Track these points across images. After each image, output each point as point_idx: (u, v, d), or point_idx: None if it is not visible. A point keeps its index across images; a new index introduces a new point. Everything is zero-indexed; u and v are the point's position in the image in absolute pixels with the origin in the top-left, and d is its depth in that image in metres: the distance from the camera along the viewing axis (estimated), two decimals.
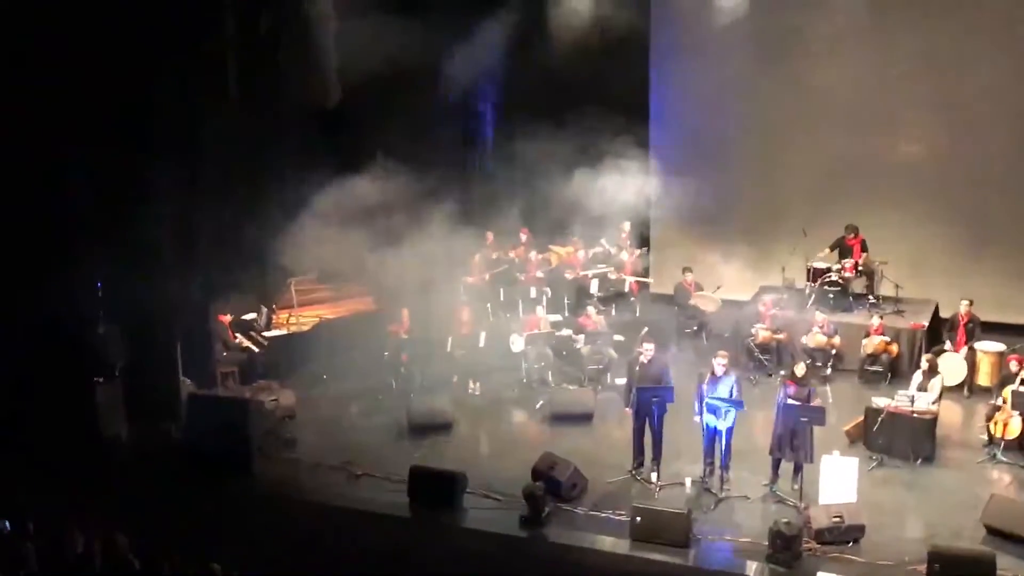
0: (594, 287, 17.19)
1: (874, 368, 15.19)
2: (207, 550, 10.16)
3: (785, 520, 10.80)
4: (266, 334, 15.54)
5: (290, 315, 15.89)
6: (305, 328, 15.86)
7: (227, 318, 15.18)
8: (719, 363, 12.03)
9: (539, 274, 17.41)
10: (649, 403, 12.23)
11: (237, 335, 15.29)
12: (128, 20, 12.98)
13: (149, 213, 13.32)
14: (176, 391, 13.93)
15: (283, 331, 15.75)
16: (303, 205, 15.09)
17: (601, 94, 17.50)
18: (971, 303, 15.14)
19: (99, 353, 13.53)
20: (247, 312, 15.56)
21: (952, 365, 14.75)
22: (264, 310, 15.77)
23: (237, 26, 14.70)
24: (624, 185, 16.77)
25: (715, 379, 12.01)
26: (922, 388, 13.14)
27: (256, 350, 15.26)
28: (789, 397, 11.91)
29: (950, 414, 14.05)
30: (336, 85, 15.80)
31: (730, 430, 11.96)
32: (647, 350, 12.62)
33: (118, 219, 13.27)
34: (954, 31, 16.47)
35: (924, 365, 13.47)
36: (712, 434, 12.01)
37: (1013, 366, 13.37)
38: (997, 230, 16.93)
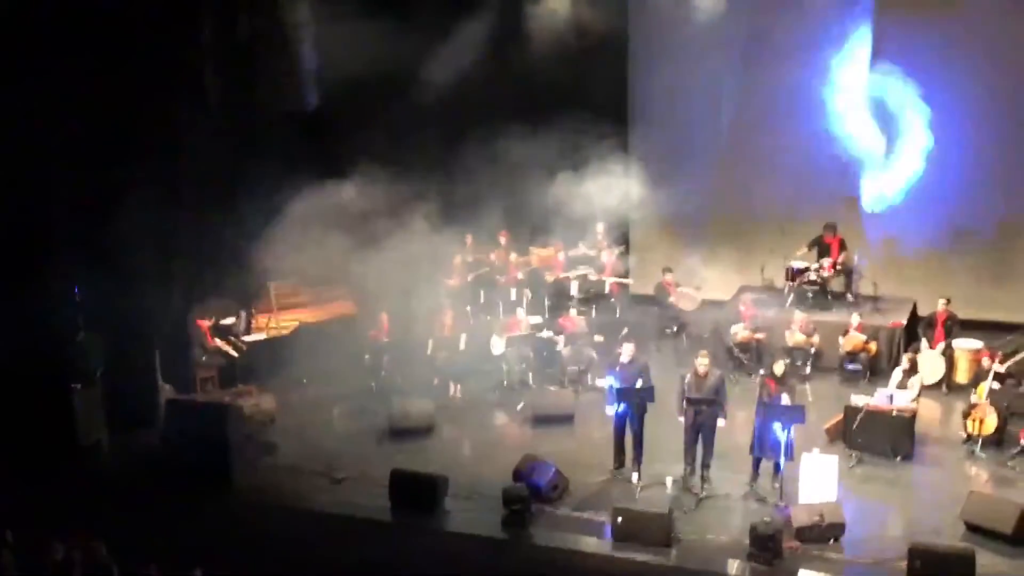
0: (574, 288, 17.20)
1: (853, 366, 15.26)
2: (187, 557, 10.12)
3: (766, 519, 10.84)
4: (245, 339, 15.44)
5: (270, 319, 15.83)
6: (285, 332, 15.80)
7: (206, 323, 15.10)
8: (701, 363, 12.06)
9: (519, 276, 17.41)
10: (630, 403, 12.25)
11: (216, 340, 15.20)
12: (105, 27, 12.94)
13: (127, 218, 13.24)
14: (155, 397, 13.89)
15: (263, 335, 15.67)
16: (282, 209, 15.04)
17: (580, 96, 17.52)
18: (948, 301, 15.23)
19: (77, 359, 13.45)
20: (226, 316, 15.46)
21: (930, 363, 14.84)
22: (243, 314, 15.68)
23: (215, 32, 14.63)
24: (603, 187, 16.79)
25: (699, 379, 12.03)
26: (901, 386, 13.21)
27: (235, 355, 15.17)
28: (769, 396, 11.94)
29: (929, 411, 14.13)
30: (314, 90, 15.77)
31: (712, 429, 12.00)
32: (626, 350, 12.63)
33: (96, 224, 13.20)
34: (927, 31, 16.55)
35: (905, 364, 13.54)
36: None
37: (985, 362, 13.46)
38: (975, 227, 17.03)
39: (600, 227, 17.68)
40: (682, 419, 12.16)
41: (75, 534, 10.12)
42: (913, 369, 13.50)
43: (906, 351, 14.79)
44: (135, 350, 13.83)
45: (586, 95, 17.63)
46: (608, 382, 12.72)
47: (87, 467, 13.02)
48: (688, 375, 12.14)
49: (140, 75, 13.39)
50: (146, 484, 12.60)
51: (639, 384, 12.37)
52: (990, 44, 16.36)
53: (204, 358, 15.01)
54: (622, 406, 12.26)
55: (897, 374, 13.46)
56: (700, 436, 12.07)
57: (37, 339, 12.79)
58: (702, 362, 12.08)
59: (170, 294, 14.25)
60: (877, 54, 16.90)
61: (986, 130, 16.71)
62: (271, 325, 15.80)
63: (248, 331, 15.64)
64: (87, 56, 12.84)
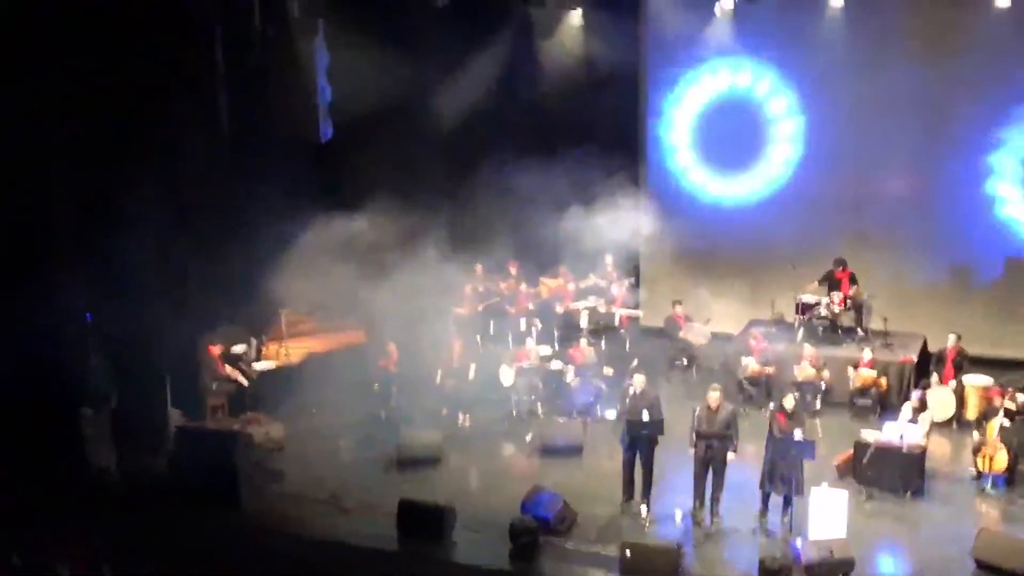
0: (584, 320, 17.22)
1: (863, 401, 15.22)
2: None
3: (775, 554, 10.79)
4: (255, 366, 15.47)
5: (280, 347, 15.85)
6: (294, 360, 15.82)
7: (216, 350, 15.12)
8: (713, 396, 12.04)
9: (529, 306, 17.43)
10: (639, 436, 12.23)
11: (226, 367, 15.22)
12: (117, 51, 13.05)
13: (138, 244, 13.31)
14: (165, 423, 13.88)
15: (272, 363, 15.70)
16: (293, 237, 15.11)
17: (591, 128, 17.68)
18: (959, 337, 15.20)
19: (88, 384, 13.47)
20: (236, 344, 15.50)
21: (941, 399, 14.80)
22: (253, 342, 15.71)
23: (228, 60, 14.76)
24: (613, 219, 16.84)
25: (711, 412, 12.02)
26: (911, 422, 13.17)
27: (245, 382, 15.19)
28: (779, 430, 11.91)
29: (939, 448, 14.08)
30: (326, 120, 15.87)
31: (723, 463, 11.97)
32: (637, 382, 12.63)
33: (107, 250, 13.26)
34: (944, 67, 16.60)
35: (914, 401, 13.50)
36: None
37: (996, 400, 13.42)
38: (985, 265, 17.03)
39: (609, 259, 17.71)
40: (693, 451, 12.13)
41: (82, 559, 10.12)
42: (923, 406, 13.46)
43: (916, 387, 14.79)
44: (145, 376, 13.84)
45: (597, 127, 17.77)
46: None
47: (95, 492, 12.98)
48: (699, 408, 12.12)
49: (153, 103, 13.51)
50: (154, 510, 12.57)
51: (646, 416, 12.34)
52: (991, 77, 16.41)
53: (214, 385, 15.01)
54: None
55: (906, 410, 13.42)
56: (711, 470, 12.04)
57: (47, 364, 12.82)
58: (714, 395, 12.07)
59: (181, 321, 14.27)
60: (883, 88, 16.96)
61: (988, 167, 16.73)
62: (281, 353, 15.82)
63: (258, 359, 15.66)
64: (99, 84, 12.95)
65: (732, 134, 18.04)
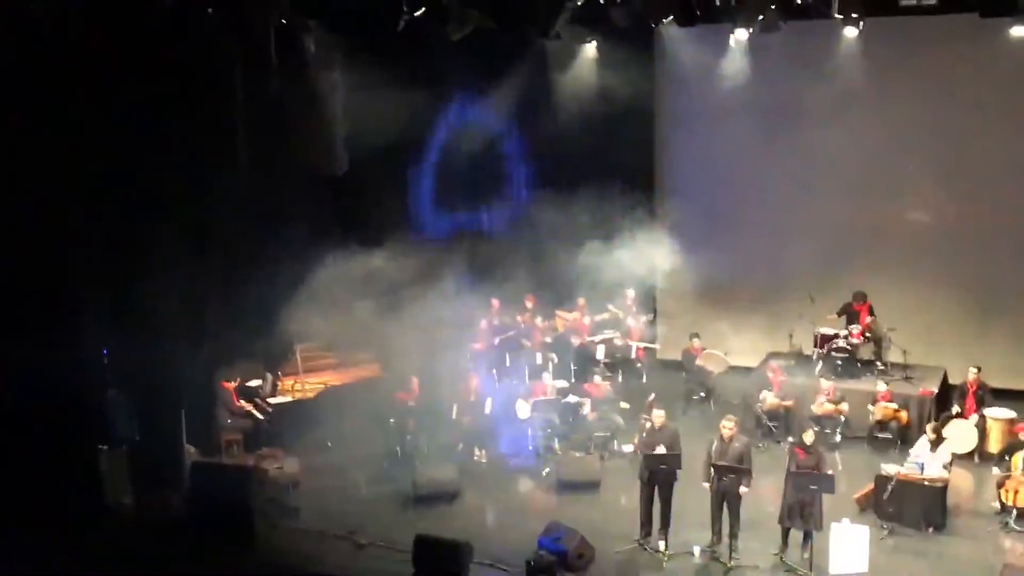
0: (600, 353, 17.16)
1: (883, 435, 15.08)
2: None
3: None
4: (271, 400, 15.46)
5: (295, 382, 15.84)
6: (310, 395, 15.80)
7: (232, 384, 15.13)
8: (726, 427, 11.98)
9: (545, 340, 17.38)
10: (657, 471, 12.14)
11: (242, 401, 15.23)
12: (138, 85, 13.15)
13: (154, 279, 13.36)
14: (180, 458, 13.87)
15: (288, 398, 15.69)
16: (310, 271, 15.14)
17: (608, 162, 17.69)
18: (979, 370, 15.07)
19: (105, 420, 13.48)
20: (252, 378, 15.51)
21: (962, 432, 14.64)
22: (269, 376, 15.72)
23: (247, 94, 14.86)
24: (630, 253, 16.84)
25: (724, 444, 11.93)
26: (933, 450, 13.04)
27: (261, 417, 15.19)
28: (798, 465, 11.80)
29: (961, 481, 13.92)
30: (343, 153, 15.93)
31: (737, 497, 11.87)
32: (657, 416, 12.54)
33: (124, 285, 13.31)
34: (960, 99, 16.59)
35: (930, 435, 13.37)
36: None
37: (1022, 434, 13.27)
38: (1005, 296, 16.91)
39: (631, 292, 17.67)
40: (706, 485, 12.04)
41: None
42: (939, 439, 13.34)
43: (936, 420, 14.64)
44: (161, 412, 13.83)
45: (614, 161, 17.79)
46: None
47: (111, 528, 12.96)
48: (715, 440, 12.04)
49: (170, 135, 13.59)
50: (170, 546, 12.52)
51: (660, 450, 12.26)
52: (1011, 107, 16.35)
53: (229, 420, 15.01)
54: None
55: (923, 443, 13.29)
56: (725, 503, 11.93)
57: (65, 400, 12.84)
58: (727, 425, 12.01)
59: (197, 356, 14.30)
60: (902, 119, 16.93)
61: (1014, 196, 16.65)
62: (297, 387, 15.81)
63: (274, 393, 15.67)
64: (117, 116, 13.04)
65: (745, 164, 18.00)
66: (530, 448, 15.06)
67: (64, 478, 12.80)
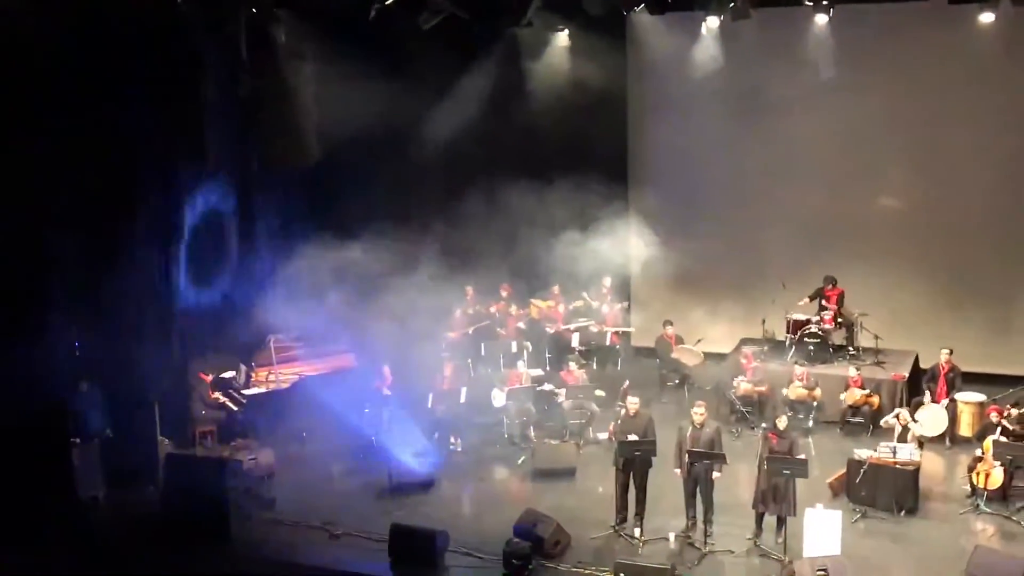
0: (575, 341, 17.19)
1: (855, 419, 15.20)
2: None
3: (769, 575, 10.75)
4: (245, 392, 15.41)
5: (269, 373, 15.78)
6: (285, 386, 15.75)
7: (206, 376, 15.07)
8: (697, 412, 12.05)
9: (521, 324, 17.39)
10: (632, 457, 12.18)
11: (216, 393, 15.17)
12: (106, 79, 13.05)
13: (126, 272, 13.28)
14: (154, 451, 13.79)
15: (262, 389, 15.63)
16: (284, 262, 15.08)
17: (581, 152, 17.69)
18: (951, 353, 15.18)
19: (77, 414, 13.39)
20: (226, 370, 15.45)
21: (933, 416, 14.76)
22: (243, 368, 15.66)
23: (216, 88, 14.76)
24: (605, 240, 16.87)
25: (696, 429, 11.99)
26: (901, 439, 13.14)
27: (235, 408, 15.13)
28: (771, 450, 11.88)
29: (932, 465, 14.03)
30: (315, 145, 15.87)
31: (709, 482, 11.94)
32: (631, 403, 12.59)
33: (95, 278, 13.22)
34: (930, 85, 16.68)
35: (900, 420, 13.47)
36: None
37: (993, 417, 13.40)
38: (975, 281, 17.05)
39: (607, 280, 17.70)
40: (678, 471, 12.09)
41: None
42: (905, 427, 13.48)
43: (908, 404, 14.77)
44: (134, 405, 13.76)
45: (587, 151, 17.78)
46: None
47: (85, 522, 12.88)
48: (687, 427, 12.10)
49: (139, 129, 13.50)
50: (144, 539, 12.47)
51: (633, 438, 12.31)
52: (980, 94, 16.47)
53: (203, 412, 14.96)
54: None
55: (894, 422, 13.41)
56: (699, 489, 12.00)
57: (37, 394, 12.74)
58: (698, 411, 12.09)
59: (169, 348, 14.23)
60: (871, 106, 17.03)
61: (984, 182, 16.78)
62: (271, 378, 15.75)
63: (248, 385, 15.61)
64: (86, 111, 12.96)
65: (717, 152, 18.04)
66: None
67: (36, 473, 12.71)
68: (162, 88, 13.68)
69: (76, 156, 12.99)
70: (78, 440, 13.33)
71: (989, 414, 13.64)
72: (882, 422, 13.98)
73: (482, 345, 17.21)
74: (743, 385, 15.56)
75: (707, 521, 12.01)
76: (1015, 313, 16.81)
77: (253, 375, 15.79)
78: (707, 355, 16.78)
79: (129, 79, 13.25)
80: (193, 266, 14.80)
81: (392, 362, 15.33)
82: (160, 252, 13.98)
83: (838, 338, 16.57)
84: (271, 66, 15.32)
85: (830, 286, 16.59)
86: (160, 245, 13.94)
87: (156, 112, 13.61)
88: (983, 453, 12.99)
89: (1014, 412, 13.47)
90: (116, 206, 13.43)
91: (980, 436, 13.50)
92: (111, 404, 13.59)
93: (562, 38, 18.10)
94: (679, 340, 16.84)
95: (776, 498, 11.72)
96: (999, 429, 13.15)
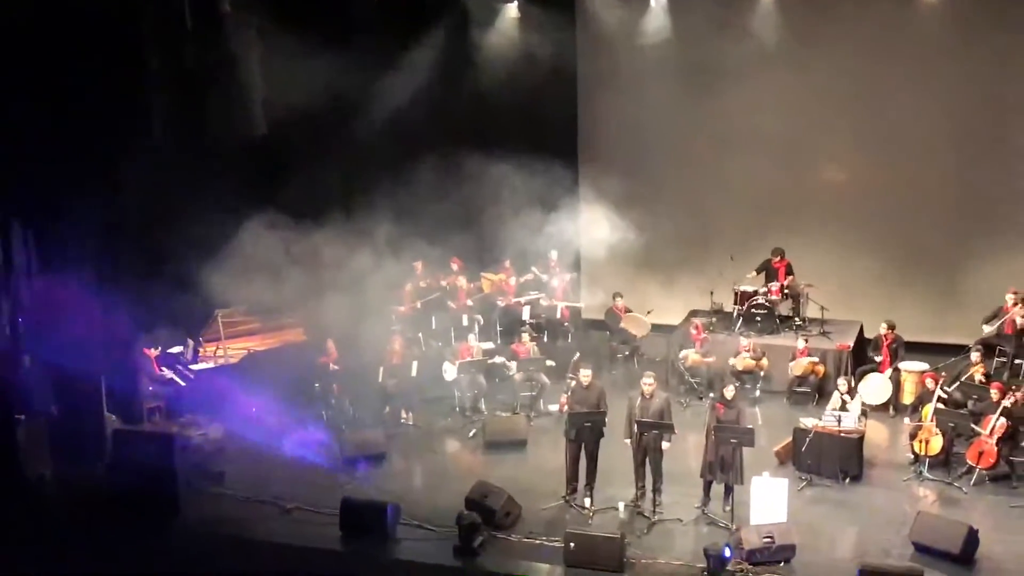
0: (526, 314, 17.23)
1: (802, 389, 15.41)
2: None
3: (716, 542, 10.90)
4: (193, 367, 15.29)
5: (217, 348, 15.66)
6: (233, 360, 15.64)
7: (153, 351, 14.92)
8: (646, 383, 12.13)
9: (470, 302, 17.40)
10: (583, 429, 12.25)
11: (163, 369, 15.03)
12: (49, 57, 12.80)
13: (70, 246, 13.08)
14: (101, 427, 13.64)
15: (211, 364, 15.51)
16: (231, 236, 14.93)
17: (531, 124, 17.67)
18: (891, 327, 15.34)
19: (22, 390, 13.20)
20: (173, 345, 15.31)
21: (877, 385, 15.02)
22: (191, 343, 15.53)
23: (159, 60, 14.54)
24: (554, 214, 16.88)
25: (646, 401, 12.09)
26: (842, 409, 13.34)
27: (183, 384, 15.00)
28: (719, 420, 12.01)
29: (876, 433, 14.29)
30: (262, 117, 15.70)
31: (658, 452, 12.05)
32: (584, 376, 12.64)
33: (39, 253, 13.02)
34: (877, 59, 16.85)
35: (843, 387, 13.69)
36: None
37: (930, 384, 13.64)
38: (920, 253, 17.34)
39: (554, 254, 17.72)
40: (628, 441, 12.19)
41: (18, 569, 9.91)
42: (851, 392, 13.69)
43: (852, 374, 14.99)
44: (80, 381, 13.59)
45: (537, 123, 17.76)
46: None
47: (31, 500, 12.72)
48: (636, 397, 12.19)
49: (81, 100, 13.26)
50: (92, 517, 12.34)
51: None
52: (926, 68, 16.67)
53: (151, 388, 14.81)
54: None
55: (836, 398, 13.61)
56: (648, 459, 12.11)
57: None
58: (647, 382, 12.17)
59: (115, 323, 14.04)
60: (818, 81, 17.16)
61: (928, 155, 17.01)
62: (219, 353, 15.63)
63: (196, 360, 15.47)
64: (31, 81, 12.71)
65: (666, 126, 18.10)
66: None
67: None
68: (105, 59, 13.44)
69: (18, 129, 12.73)
70: (23, 417, 13.13)
71: (925, 381, 13.89)
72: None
73: (432, 318, 17.19)
74: (692, 356, 15.70)
75: (656, 490, 12.13)
76: (958, 284, 17.07)
77: (201, 350, 15.65)
78: (657, 327, 16.90)
79: (70, 49, 12.99)
80: (138, 240, 14.61)
81: (342, 337, 15.26)
82: (106, 226, 13.75)
83: (785, 309, 16.77)
84: (216, 36, 15.11)
85: (777, 258, 16.76)
86: (106, 219, 13.71)
87: (99, 81, 13.36)
88: (922, 420, 13.23)
89: (951, 381, 13.72)
90: (58, 179, 13.18)
91: (918, 404, 13.75)
92: (56, 380, 13.40)
93: (512, 9, 18.04)
94: (628, 311, 16.94)
95: (724, 467, 11.86)
96: (936, 396, 13.38)
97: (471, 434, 14.66)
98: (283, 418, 14.35)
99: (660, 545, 11.52)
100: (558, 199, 16.92)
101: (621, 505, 12.25)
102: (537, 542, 11.62)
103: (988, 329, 15.27)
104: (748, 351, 15.57)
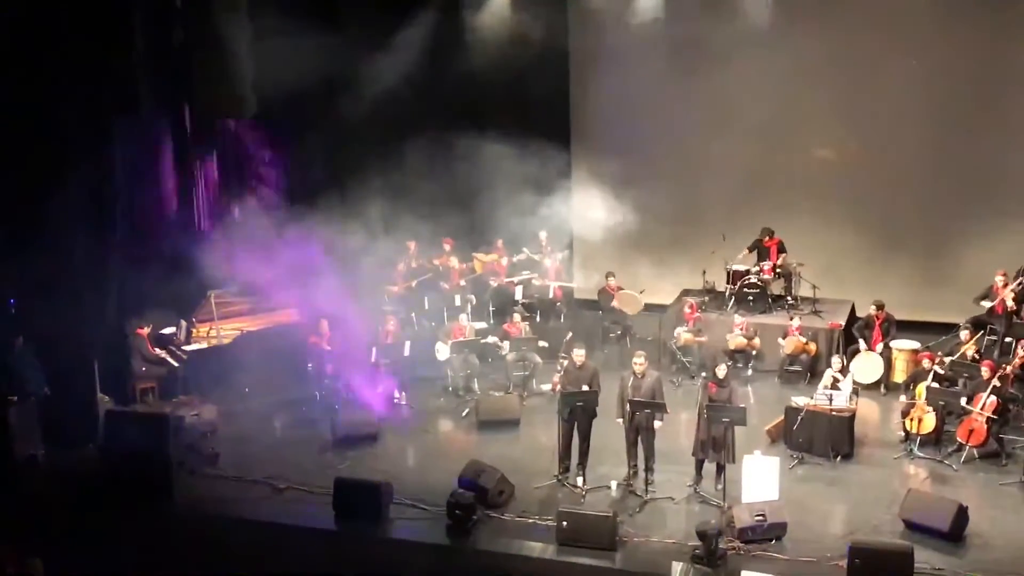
0: (518, 293, 17.24)
1: (793, 368, 15.46)
2: (128, 571, 9.95)
3: (709, 521, 10.95)
4: (186, 348, 15.27)
5: (210, 328, 15.64)
6: (226, 341, 15.62)
7: (145, 332, 14.90)
8: (637, 363, 12.15)
9: (463, 282, 17.39)
10: (576, 408, 12.28)
11: (156, 349, 15.02)
12: (37, 36, 12.73)
13: (61, 227, 13.04)
14: (93, 408, 13.63)
15: (203, 344, 15.49)
16: (223, 216, 14.90)
17: (524, 104, 17.63)
18: (879, 308, 15.36)
19: (13, 372, 13.18)
20: (166, 326, 15.28)
21: (869, 363, 15.07)
22: (183, 323, 15.50)
23: (148, 40, 14.46)
24: (546, 193, 16.87)
25: (637, 380, 12.12)
26: (834, 387, 13.37)
27: (176, 364, 15.00)
28: (711, 399, 12.05)
29: (868, 411, 14.33)
30: (251, 96, 15.64)
31: (650, 431, 12.08)
32: (577, 355, 12.66)
33: (29, 234, 12.97)
34: (865, 40, 16.83)
35: (836, 365, 13.73)
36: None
37: (925, 363, 13.69)
38: (910, 231, 17.37)
39: (543, 235, 17.70)
40: (620, 420, 12.23)
41: (11, 551, 9.92)
42: (843, 370, 13.73)
43: (844, 352, 15.03)
44: (72, 362, 13.57)
45: (530, 103, 17.73)
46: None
47: (23, 482, 12.72)
48: (628, 376, 12.22)
49: (69, 81, 13.20)
50: (84, 498, 12.34)
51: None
52: (912, 45, 16.68)
53: (144, 368, 14.81)
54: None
55: (827, 376, 13.65)
56: (640, 438, 12.15)
57: None
58: (638, 361, 12.18)
59: (107, 304, 14.02)
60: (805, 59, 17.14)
61: (916, 132, 17.01)
62: (212, 334, 15.61)
63: (189, 340, 15.46)
64: (19, 67, 12.62)
65: (658, 105, 18.07)
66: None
67: None
68: (94, 38, 13.36)
69: (4, 108, 12.66)
70: (15, 398, 13.12)
71: (921, 360, 13.94)
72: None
73: (425, 298, 17.20)
74: (684, 335, 15.73)
75: (648, 469, 12.16)
76: (948, 262, 17.11)
77: (194, 331, 15.63)
78: (649, 307, 16.91)
79: (58, 28, 12.90)
80: (130, 221, 14.56)
81: (334, 316, 15.26)
82: (95, 207, 13.71)
83: (777, 288, 16.80)
84: (206, 15, 15.04)
85: (767, 237, 16.78)
86: (95, 199, 13.66)
87: (88, 61, 13.28)
88: (915, 399, 13.28)
89: (947, 360, 13.78)
90: (49, 158, 13.12)
91: (912, 382, 13.80)
92: (48, 361, 13.38)
93: None
94: (620, 290, 16.94)
95: (715, 446, 11.90)
96: (931, 375, 13.43)
97: (464, 413, 14.69)
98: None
99: (652, 523, 11.56)
100: (550, 179, 16.92)
101: (613, 484, 12.28)
102: (530, 521, 11.66)
103: (985, 304, 15.26)
104: (740, 330, 15.61)
